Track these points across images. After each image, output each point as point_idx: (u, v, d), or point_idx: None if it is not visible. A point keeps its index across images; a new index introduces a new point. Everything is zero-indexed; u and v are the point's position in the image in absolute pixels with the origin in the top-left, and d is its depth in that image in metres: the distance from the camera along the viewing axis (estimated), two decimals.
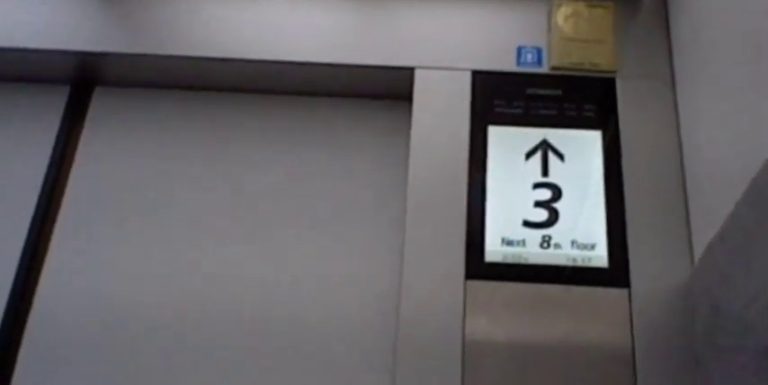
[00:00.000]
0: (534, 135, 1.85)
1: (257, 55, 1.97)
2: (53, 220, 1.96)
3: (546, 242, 1.73)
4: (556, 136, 1.84)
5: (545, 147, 1.83)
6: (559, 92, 1.90)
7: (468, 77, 1.91)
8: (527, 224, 1.75)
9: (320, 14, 2.01)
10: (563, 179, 1.80)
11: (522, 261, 1.72)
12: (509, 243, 1.73)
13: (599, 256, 1.72)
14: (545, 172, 1.80)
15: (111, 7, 2.04)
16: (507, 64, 1.94)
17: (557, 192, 1.78)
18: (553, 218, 1.76)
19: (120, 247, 1.93)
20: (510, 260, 1.72)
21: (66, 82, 2.11)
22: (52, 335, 1.84)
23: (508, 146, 1.84)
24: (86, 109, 2.09)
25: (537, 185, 1.79)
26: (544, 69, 1.93)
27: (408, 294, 1.68)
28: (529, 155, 1.83)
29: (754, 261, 1.31)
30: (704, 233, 1.61)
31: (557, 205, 1.77)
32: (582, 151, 1.83)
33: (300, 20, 2.00)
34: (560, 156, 1.82)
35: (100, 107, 2.09)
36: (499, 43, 1.96)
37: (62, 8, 2.03)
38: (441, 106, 1.88)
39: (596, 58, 1.93)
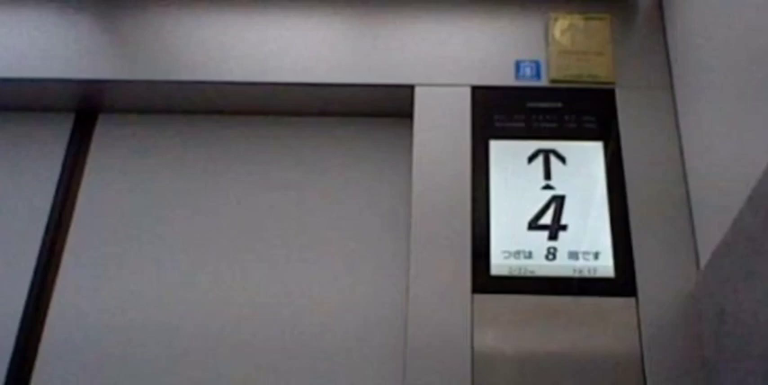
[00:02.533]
0: (536, 148, 1.85)
1: (258, 77, 1.98)
2: (62, 246, 1.98)
3: (551, 254, 1.73)
4: (557, 148, 1.85)
5: (547, 158, 1.84)
6: (559, 104, 1.90)
7: (467, 93, 1.92)
8: (532, 236, 1.75)
9: (318, 35, 2.03)
10: (566, 191, 1.80)
11: (528, 273, 1.72)
12: (515, 255, 1.73)
13: (605, 266, 1.72)
14: (548, 184, 1.81)
15: (111, 35, 2.07)
16: (506, 78, 1.95)
17: (561, 204, 1.79)
18: (558, 229, 1.76)
19: (128, 269, 1.94)
20: (516, 273, 1.72)
21: (71, 110, 2.13)
22: (63, 357, 1.85)
23: (510, 160, 1.84)
24: (91, 136, 2.11)
25: (541, 198, 1.80)
26: (543, 82, 1.94)
27: (415, 309, 1.68)
28: (530, 163, 1.83)
29: (759, 266, 1.31)
30: (709, 240, 1.61)
31: (561, 217, 1.77)
32: (584, 163, 1.84)
33: (299, 41, 2.02)
34: (563, 168, 1.83)
35: (104, 134, 2.11)
36: (497, 58, 1.97)
37: (64, 37, 2.06)
38: (442, 122, 1.89)
39: (595, 69, 1.94)
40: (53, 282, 1.94)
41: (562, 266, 1.72)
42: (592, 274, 1.71)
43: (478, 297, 1.69)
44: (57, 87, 2.05)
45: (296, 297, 1.89)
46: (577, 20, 2.00)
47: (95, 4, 2.11)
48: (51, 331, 1.89)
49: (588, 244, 1.74)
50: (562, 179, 1.82)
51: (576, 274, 1.71)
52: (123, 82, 2.02)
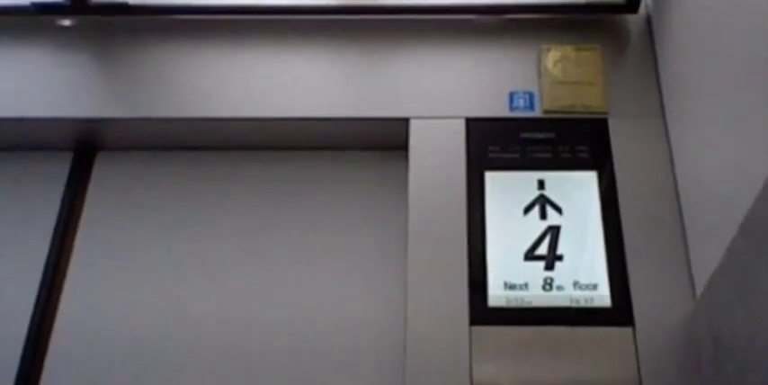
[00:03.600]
0: (530, 178, 1.86)
1: (254, 113, 2.00)
2: (61, 284, 1.99)
3: (548, 284, 1.74)
4: (552, 178, 1.86)
5: (542, 191, 1.85)
6: (553, 135, 1.91)
7: (462, 125, 1.94)
8: (529, 267, 1.76)
9: (313, 70, 2.05)
10: (561, 221, 1.81)
11: (526, 304, 1.72)
12: (511, 287, 1.74)
13: (601, 296, 1.72)
14: (543, 215, 1.82)
15: (108, 74, 2.10)
16: (500, 110, 1.96)
17: (556, 235, 1.79)
18: (554, 260, 1.76)
19: (127, 304, 1.95)
20: (513, 304, 1.72)
21: (69, 148, 2.15)
22: None
23: (505, 190, 1.85)
24: (89, 173, 2.13)
25: (536, 228, 1.80)
26: (537, 113, 1.95)
27: (414, 342, 1.69)
28: (527, 204, 1.84)
29: (754, 292, 1.31)
30: (704, 267, 1.62)
31: (557, 247, 1.78)
32: (579, 192, 1.84)
33: (294, 76, 2.04)
34: (557, 201, 1.84)
35: (103, 171, 2.13)
36: (491, 90, 1.99)
37: (61, 77, 2.08)
38: (437, 154, 1.90)
39: (587, 99, 1.95)
40: (53, 318, 1.94)
41: (559, 297, 1.72)
42: (589, 304, 1.71)
43: (476, 329, 1.69)
44: (55, 126, 2.06)
45: (294, 327, 1.90)
46: (569, 51, 2.02)
47: (92, 44, 2.14)
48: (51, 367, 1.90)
49: (584, 274, 1.74)
50: (558, 210, 1.82)
51: (574, 304, 1.71)
52: (120, 120, 2.03)
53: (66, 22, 2.15)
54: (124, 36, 2.13)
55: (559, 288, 1.73)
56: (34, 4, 2.07)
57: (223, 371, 1.86)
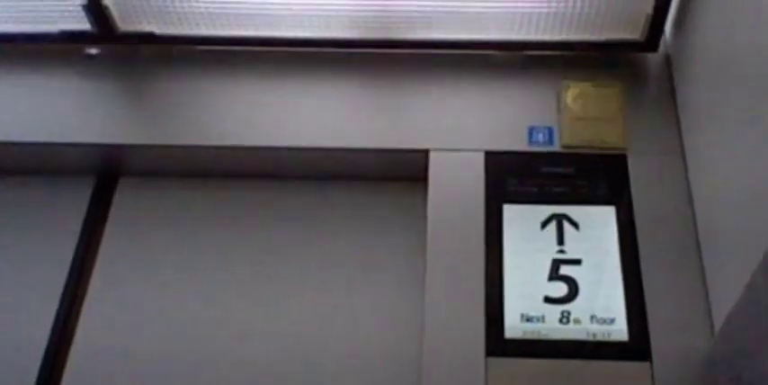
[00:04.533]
0: (548, 212, 1.87)
1: (275, 142, 2.02)
2: (80, 306, 2.00)
3: (565, 317, 1.73)
4: (570, 212, 1.86)
5: (560, 222, 1.85)
6: (572, 170, 1.92)
7: (481, 158, 1.95)
8: (546, 300, 1.75)
9: (335, 101, 2.07)
10: (580, 255, 1.81)
11: (543, 337, 1.71)
12: (528, 319, 1.73)
13: (619, 330, 1.71)
14: (561, 248, 1.82)
15: (132, 101, 2.12)
16: (519, 144, 1.97)
17: (574, 268, 1.79)
18: (572, 293, 1.76)
19: (145, 329, 1.96)
20: (530, 336, 1.71)
21: (92, 173, 2.18)
22: None
23: (523, 224, 1.86)
24: (111, 199, 2.15)
25: (554, 261, 1.80)
26: (556, 148, 1.96)
27: (429, 372, 1.68)
28: (544, 228, 1.85)
29: None
30: (723, 303, 1.61)
31: (575, 281, 1.77)
32: (597, 227, 1.85)
33: (316, 107, 2.06)
34: (576, 231, 1.84)
35: (124, 197, 2.15)
36: (511, 124, 2.00)
37: (86, 104, 2.11)
38: (456, 187, 1.91)
39: (606, 135, 1.97)
40: (69, 344, 1.95)
41: (576, 330, 1.72)
42: (606, 338, 1.70)
43: (492, 360, 1.68)
44: (79, 151, 2.09)
45: (309, 354, 1.89)
46: (589, 88, 2.04)
47: (117, 72, 2.17)
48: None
49: (602, 307, 1.74)
50: (576, 243, 1.83)
51: (591, 338, 1.71)
52: (143, 147, 2.06)
53: (93, 51, 2.19)
54: (149, 65, 2.16)
55: (576, 321, 1.72)
56: (62, 33, 2.10)
57: None
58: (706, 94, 1.82)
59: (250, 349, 1.91)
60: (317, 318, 1.94)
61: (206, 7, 2.04)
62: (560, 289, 1.76)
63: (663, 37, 2.04)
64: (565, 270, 1.78)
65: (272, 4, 2.03)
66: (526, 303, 1.75)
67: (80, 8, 2.03)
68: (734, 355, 1.50)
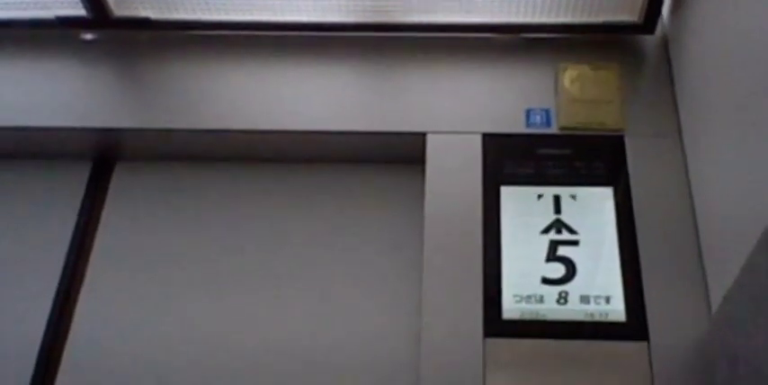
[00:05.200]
0: (546, 193, 1.87)
1: (272, 125, 2.02)
2: (77, 291, 2.00)
3: (563, 298, 1.73)
4: (568, 194, 1.86)
5: (558, 204, 1.85)
6: (569, 151, 1.92)
7: (478, 140, 1.95)
8: (544, 280, 1.76)
9: (332, 85, 2.07)
10: (577, 235, 1.81)
11: (540, 317, 1.72)
12: (526, 300, 1.74)
13: (616, 311, 1.72)
14: (558, 229, 1.82)
15: (128, 85, 2.12)
16: (516, 126, 1.97)
17: (572, 249, 1.79)
18: (569, 274, 1.76)
19: (144, 315, 1.96)
20: (528, 317, 1.72)
21: (88, 158, 2.18)
22: None
23: (521, 205, 1.86)
24: (108, 183, 2.15)
25: (552, 242, 1.81)
26: (553, 130, 1.96)
27: (428, 353, 1.69)
28: (542, 219, 1.85)
29: None
30: (720, 283, 1.62)
31: (572, 261, 1.78)
32: (594, 208, 1.85)
33: (314, 91, 2.06)
34: (574, 212, 1.84)
35: (121, 181, 2.16)
36: (508, 106, 2.00)
37: (82, 87, 2.11)
38: (453, 169, 1.92)
39: (604, 117, 1.97)
40: (68, 326, 1.96)
41: (574, 310, 1.72)
42: (603, 318, 1.71)
43: (490, 341, 1.69)
44: (75, 136, 2.09)
45: (308, 339, 1.90)
46: (586, 70, 2.03)
47: (113, 57, 2.17)
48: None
49: (599, 288, 1.74)
50: (574, 224, 1.83)
51: (588, 318, 1.71)
52: (140, 131, 2.06)
53: (89, 36, 2.19)
54: (145, 49, 2.17)
55: (574, 302, 1.73)
56: (58, 18, 2.10)
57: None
58: (703, 75, 1.82)
59: (248, 337, 1.92)
60: (316, 301, 1.95)
61: None
62: (558, 270, 1.77)
63: (660, 19, 2.04)
64: (562, 251, 1.79)
65: None
66: (524, 284, 1.75)
67: None
68: (730, 336, 1.51)
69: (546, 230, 1.82)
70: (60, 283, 2.00)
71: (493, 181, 1.89)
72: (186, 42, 2.15)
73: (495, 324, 1.71)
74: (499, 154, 1.93)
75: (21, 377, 1.89)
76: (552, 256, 1.78)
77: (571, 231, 1.81)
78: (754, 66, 1.50)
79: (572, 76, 2.03)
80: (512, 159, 1.92)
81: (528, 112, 1.99)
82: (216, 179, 2.13)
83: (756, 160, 1.46)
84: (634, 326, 1.69)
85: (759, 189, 1.43)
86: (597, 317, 1.71)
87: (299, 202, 2.08)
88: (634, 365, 1.65)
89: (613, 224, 1.82)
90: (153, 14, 2.09)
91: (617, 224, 1.82)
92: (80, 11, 2.07)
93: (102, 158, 2.18)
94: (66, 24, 2.12)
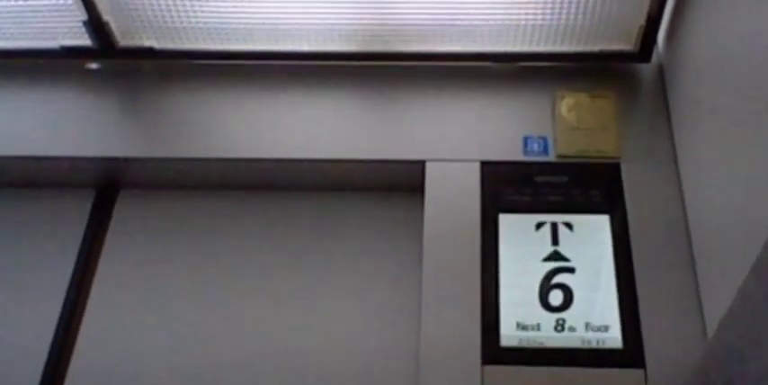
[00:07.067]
0: (544, 221, 1.88)
1: (273, 154, 2.04)
2: (80, 318, 2.02)
3: (560, 325, 1.74)
4: (565, 221, 1.88)
5: (555, 231, 1.87)
6: (566, 179, 1.94)
7: (477, 168, 1.97)
8: (541, 308, 1.77)
9: (332, 114, 2.09)
10: (574, 263, 1.82)
11: (538, 345, 1.73)
12: (524, 327, 1.75)
13: (613, 338, 1.73)
14: (556, 256, 1.83)
15: (132, 114, 2.14)
16: (514, 154, 1.99)
17: (569, 276, 1.81)
18: (567, 301, 1.77)
19: (144, 343, 1.98)
20: (525, 344, 1.73)
21: (92, 186, 2.20)
22: None
23: (519, 233, 1.87)
24: (111, 211, 2.17)
25: (550, 271, 1.82)
26: (551, 158, 1.98)
27: (426, 381, 1.69)
28: (541, 246, 1.86)
29: (765, 335, 1.32)
30: (716, 310, 1.63)
31: (570, 289, 1.79)
32: (591, 235, 1.86)
33: (315, 119, 2.08)
34: (571, 240, 1.85)
35: (124, 209, 2.18)
36: (506, 134, 2.02)
37: (86, 118, 2.13)
38: (452, 196, 1.93)
39: (601, 145, 1.98)
40: (69, 356, 1.97)
41: (571, 338, 1.73)
42: (600, 346, 1.72)
43: (488, 368, 1.70)
44: (78, 165, 2.11)
45: (307, 365, 1.91)
46: (583, 98, 2.05)
47: (118, 86, 2.19)
48: None
49: (597, 315, 1.75)
50: (571, 253, 1.84)
51: (585, 346, 1.72)
52: (143, 160, 2.08)
53: (94, 66, 2.21)
54: (149, 79, 2.19)
55: (571, 329, 1.74)
56: (63, 48, 2.12)
57: None
58: (698, 103, 1.83)
59: (249, 359, 1.93)
60: (315, 328, 1.96)
61: (205, 22, 2.07)
62: (556, 297, 1.78)
63: (656, 48, 2.07)
64: (560, 278, 1.80)
65: (269, 18, 2.05)
66: (522, 312, 1.77)
67: (80, 24, 2.06)
68: (725, 361, 1.51)
69: (544, 257, 1.84)
70: (63, 310, 2.02)
71: (491, 208, 1.90)
72: (189, 72, 2.18)
73: (493, 351, 1.72)
74: (497, 181, 1.94)
75: None
76: (550, 284, 1.79)
77: (569, 258, 1.83)
78: (747, 93, 1.52)
79: (569, 104, 2.05)
80: (510, 187, 1.93)
81: (526, 140, 2.01)
82: (218, 207, 2.15)
83: (750, 188, 1.47)
84: (631, 354, 1.70)
85: (753, 215, 1.44)
86: (594, 345, 1.72)
87: (300, 231, 2.10)
88: None
89: (610, 251, 1.83)
90: (157, 44, 2.12)
91: (614, 251, 1.83)
92: (85, 41, 2.10)
93: (105, 186, 2.20)
94: (71, 54, 2.14)
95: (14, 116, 2.14)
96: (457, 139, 2.02)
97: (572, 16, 2.00)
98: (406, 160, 2.01)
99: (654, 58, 2.06)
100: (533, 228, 1.88)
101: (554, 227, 1.87)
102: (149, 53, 2.13)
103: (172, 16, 2.06)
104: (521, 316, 1.76)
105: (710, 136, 1.74)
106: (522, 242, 1.86)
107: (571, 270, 1.81)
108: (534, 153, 1.99)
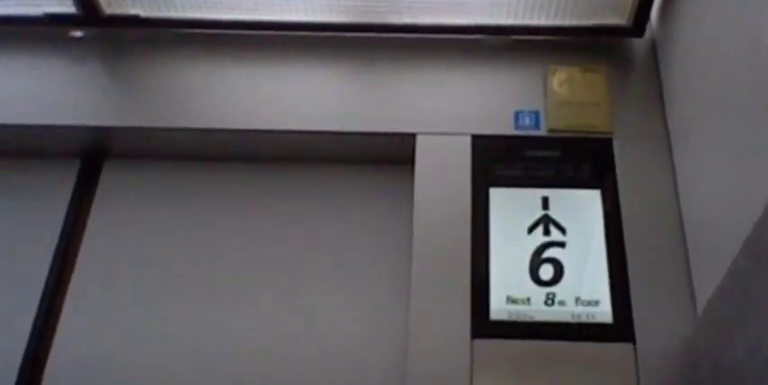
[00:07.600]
0: (534, 195, 1.88)
1: (261, 125, 2.02)
2: (65, 288, 2.00)
3: (550, 299, 1.74)
4: (556, 196, 1.87)
5: (546, 205, 1.86)
6: (557, 153, 1.93)
7: (468, 142, 1.96)
8: (532, 282, 1.77)
9: (323, 85, 2.07)
10: (565, 237, 1.82)
11: (528, 318, 1.73)
12: (514, 301, 1.74)
13: (603, 312, 1.73)
14: (546, 231, 1.83)
15: (118, 83, 2.12)
16: (506, 128, 1.98)
17: (560, 251, 1.80)
18: (557, 275, 1.77)
19: (131, 314, 1.96)
20: (515, 318, 1.73)
21: (77, 156, 2.18)
22: None
23: (509, 207, 1.87)
24: (97, 181, 2.15)
25: (540, 245, 1.81)
26: (542, 132, 1.97)
27: (415, 354, 1.69)
28: (531, 221, 1.85)
29: (754, 312, 1.32)
30: (706, 286, 1.63)
31: (560, 263, 1.79)
32: (582, 210, 1.86)
33: (305, 91, 2.06)
34: (561, 218, 1.85)
35: (110, 179, 2.15)
36: (497, 108, 2.01)
37: (71, 85, 2.11)
38: (442, 170, 1.92)
39: (592, 120, 1.98)
40: (55, 324, 1.96)
41: (561, 312, 1.73)
42: (590, 320, 1.72)
43: (478, 342, 1.70)
44: (64, 134, 2.09)
45: (296, 340, 1.90)
46: (575, 72, 2.04)
47: (103, 54, 2.16)
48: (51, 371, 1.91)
49: (587, 290, 1.75)
50: (562, 226, 1.84)
51: (575, 320, 1.72)
52: (129, 129, 2.05)
53: (78, 34, 2.18)
54: (135, 47, 2.16)
55: (561, 303, 1.74)
56: (47, 15, 2.09)
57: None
58: (690, 78, 1.83)
59: (234, 340, 1.92)
60: (302, 300, 1.95)
61: None
62: (546, 271, 1.78)
63: (649, 24, 2.05)
64: (550, 252, 1.80)
65: None
66: (512, 285, 1.76)
67: None
68: (714, 337, 1.52)
69: (534, 227, 1.83)
70: (48, 280, 2.00)
71: (482, 182, 1.90)
72: (176, 40, 2.15)
73: (483, 325, 1.72)
74: (488, 155, 1.94)
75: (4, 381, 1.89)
76: (540, 258, 1.79)
77: (560, 229, 1.83)
78: (740, 69, 1.51)
79: (561, 78, 2.04)
80: (501, 161, 1.92)
81: (517, 114, 2.00)
82: (204, 177, 2.13)
83: (742, 164, 1.47)
84: (620, 328, 1.71)
85: (745, 193, 1.44)
86: (584, 319, 1.72)
87: (288, 202, 2.08)
88: (620, 366, 1.66)
89: (601, 226, 1.83)
90: (143, 12, 2.09)
91: (604, 226, 1.83)
92: (70, 8, 2.07)
93: (91, 156, 2.18)
94: (55, 22, 2.11)
95: None
96: (448, 113, 2.01)
97: None
98: (396, 133, 2.00)
99: (647, 32, 2.05)
100: (524, 202, 1.87)
101: (545, 201, 1.86)
102: (135, 21, 2.10)
103: None
104: (511, 290, 1.76)
105: (702, 111, 1.73)
106: (513, 216, 1.85)
107: (562, 244, 1.81)
108: (525, 127, 1.98)
